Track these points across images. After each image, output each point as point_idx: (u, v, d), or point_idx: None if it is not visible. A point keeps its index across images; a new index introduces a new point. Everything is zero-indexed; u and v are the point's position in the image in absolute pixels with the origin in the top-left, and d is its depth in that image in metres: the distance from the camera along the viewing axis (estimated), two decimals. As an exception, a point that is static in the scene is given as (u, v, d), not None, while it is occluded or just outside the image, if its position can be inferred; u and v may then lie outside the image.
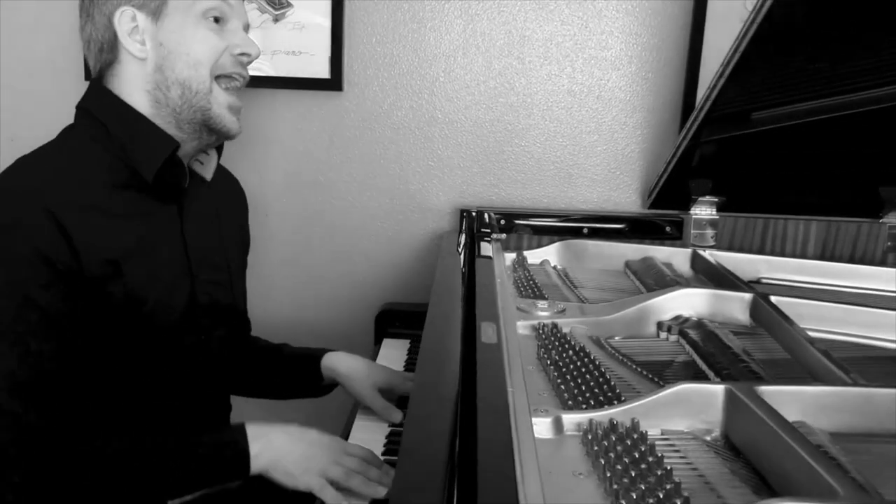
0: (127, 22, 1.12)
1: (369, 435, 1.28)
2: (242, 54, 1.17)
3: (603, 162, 1.81)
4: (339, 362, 1.40)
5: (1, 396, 0.99)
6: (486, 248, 1.54)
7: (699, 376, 1.10)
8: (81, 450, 1.03)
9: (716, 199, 1.70)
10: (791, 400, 0.88)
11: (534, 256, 1.68)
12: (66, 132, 1.17)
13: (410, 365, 1.56)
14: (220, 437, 1.10)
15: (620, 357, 1.15)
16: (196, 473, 1.07)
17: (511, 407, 0.85)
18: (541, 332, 1.20)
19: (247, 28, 1.21)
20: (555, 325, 1.21)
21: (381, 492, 1.08)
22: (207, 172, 1.25)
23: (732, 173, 1.68)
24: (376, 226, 1.85)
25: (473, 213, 1.70)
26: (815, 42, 1.30)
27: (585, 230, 1.71)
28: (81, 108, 1.17)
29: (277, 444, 1.10)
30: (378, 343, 1.72)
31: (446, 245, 1.63)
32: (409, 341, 1.68)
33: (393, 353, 1.62)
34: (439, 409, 0.84)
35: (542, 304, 1.29)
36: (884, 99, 1.50)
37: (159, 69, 1.13)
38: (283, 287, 1.88)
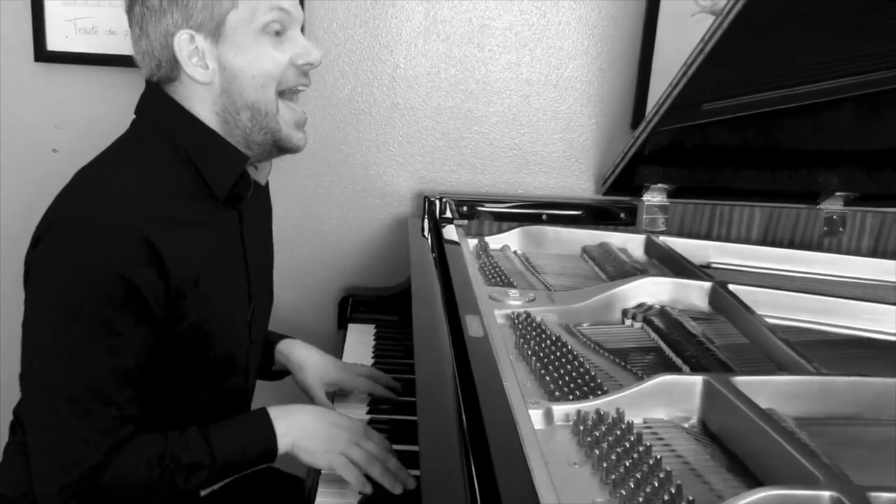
0: (186, 46, 1.08)
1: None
2: (305, 64, 1.14)
3: (559, 149, 1.86)
4: (292, 351, 1.41)
5: (70, 414, 1.01)
6: (453, 235, 1.58)
7: (667, 364, 1.17)
8: (138, 455, 1.05)
9: (667, 187, 1.78)
10: (762, 389, 0.95)
11: (495, 242, 1.73)
12: (134, 139, 1.15)
13: (379, 350, 1.59)
14: (247, 422, 1.12)
15: (592, 345, 1.22)
16: (231, 461, 1.09)
17: (509, 401, 0.90)
18: (516, 321, 1.25)
19: (303, 27, 1.17)
20: (528, 314, 1.27)
21: (398, 489, 1.09)
22: (262, 177, 1.24)
23: (682, 161, 1.75)
24: (337, 210, 1.87)
25: (436, 200, 1.74)
26: (773, 39, 1.37)
27: (544, 216, 1.76)
28: (145, 116, 1.15)
29: (300, 423, 1.12)
30: (342, 328, 1.75)
31: (414, 233, 1.66)
32: (374, 326, 1.71)
33: (360, 337, 1.66)
34: (446, 409, 0.89)
35: (513, 292, 1.34)
36: (822, 93, 1.59)
37: (226, 93, 1.11)
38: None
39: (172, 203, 1.09)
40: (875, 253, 1.80)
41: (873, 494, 0.72)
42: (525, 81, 1.82)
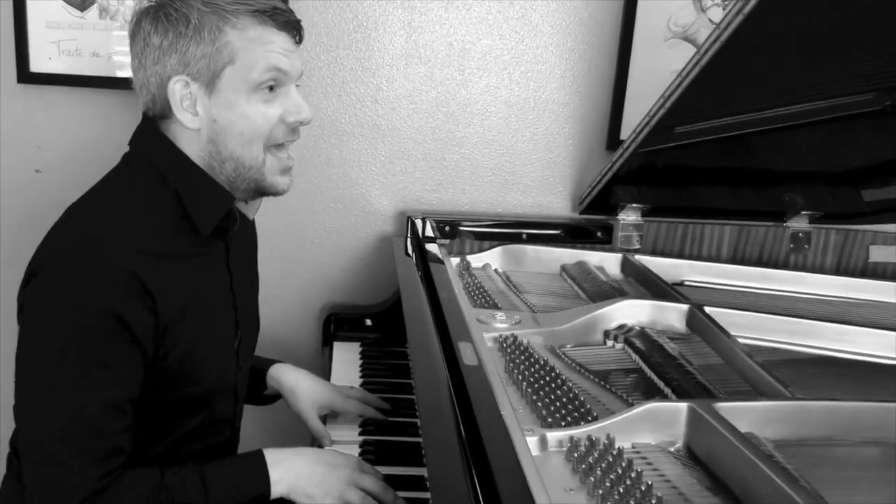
0: (180, 90, 1.10)
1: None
2: (295, 122, 1.16)
3: (537, 169, 1.91)
4: (284, 377, 1.44)
5: (61, 450, 1.03)
6: (437, 256, 1.62)
7: (648, 385, 1.23)
8: (134, 489, 1.07)
9: (641, 206, 1.84)
10: (743, 414, 1.01)
11: (476, 260, 1.77)
12: (125, 173, 1.17)
13: (367, 369, 1.63)
14: (242, 466, 1.15)
15: (576, 367, 1.27)
16: (224, 502, 1.11)
17: (508, 430, 0.95)
18: (503, 344, 1.30)
19: (300, 75, 1.17)
20: (515, 337, 1.31)
21: None
22: (251, 212, 1.26)
23: (656, 182, 1.82)
24: (320, 228, 1.90)
25: (418, 220, 1.78)
26: (747, 71, 1.43)
27: (524, 235, 1.81)
28: (137, 150, 1.17)
29: (295, 469, 1.15)
30: (326, 345, 1.78)
31: (399, 254, 1.70)
32: (359, 344, 1.75)
33: (346, 356, 1.69)
34: (448, 441, 0.93)
35: (499, 315, 1.39)
36: (788, 117, 1.66)
37: (212, 142, 1.13)
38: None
39: (160, 238, 1.12)
40: (838, 269, 1.89)
41: (851, 520, 0.78)
42: (504, 103, 1.87)
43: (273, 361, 1.47)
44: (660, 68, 1.86)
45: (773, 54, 1.39)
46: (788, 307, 1.60)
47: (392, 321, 1.77)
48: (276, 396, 1.47)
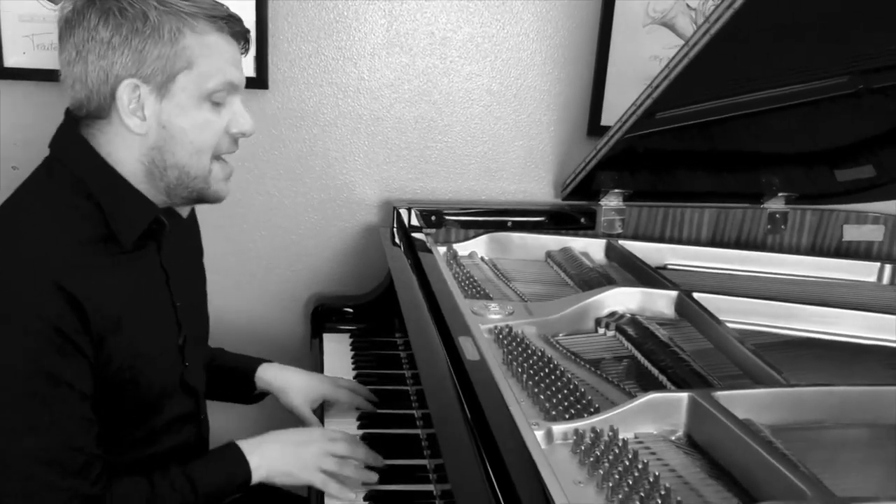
0: (130, 93, 1.05)
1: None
2: (239, 133, 1.14)
3: (519, 156, 1.93)
4: (273, 376, 1.45)
5: (48, 473, 1.02)
6: (426, 246, 1.63)
7: (640, 371, 1.26)
8: (128, 500, 1.08)
9: (623, 191, 1.86)
10: (740, 402, 1.05)
11: (463, 249, 1.79)
12: (45, 182, 1.11)
13: (358, 360, 1.64)
14: (221, 458, 1.17)
15: (571, 356, 1.30)
16: (212, 493, 1.14)
17: (518, 425, 0.97)
18: (499, 335, 1.32)
19: (243, 85, 1.16)
20: (510, 329, 1.34)
21: (374, 476, 1.22)
22: (184, 211, 1.23)
23: (636, 167, 1.84)
24: (305, 220, 1.90)
25: (404, 211, 1.78)
26: (732, 61, 1.46)
27: (509, 223, 1.83)
28: (57, 157, 1.12)
29: (271, 453, 1.19)
30: (315, 337, 1.79)
31: (388, 246, 1.71)
32: (348, 336, 1.76)
33: (337, 347, 1.70)
34: (461, 439, 0.95)
35: (493, 306, 1.41)
36: (765, 102, 1.70)
37: (158, 149, 1.09)
38: (213, 281, 1.89)
39: (85, 250, 1.07)
40: (814, 248, 1.94)
41: (853, 505, 0.82)
42: (486, 91, 1.88)
43: (260, 361, 1.47)
44: (639, 54, 1.88)
45: (757, 44, 1.41)
46: (769, 289, 1.64)
47: (380, 311, 1.78)
48: (263, 395, 1.48)
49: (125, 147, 1.09)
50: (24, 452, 1.02)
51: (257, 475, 1.17)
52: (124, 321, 1.09)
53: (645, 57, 1.88)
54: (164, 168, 1.10)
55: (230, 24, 1.11)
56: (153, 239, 1.17)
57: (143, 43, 1.04)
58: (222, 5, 1.12)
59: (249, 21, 1.74)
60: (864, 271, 1.76)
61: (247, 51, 1.16)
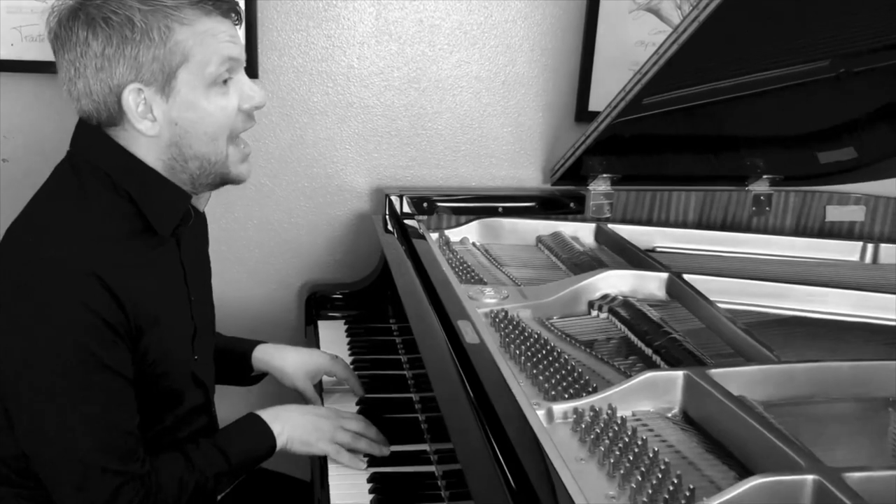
0: (134, 99, 1.05)
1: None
2: (252, 107, 1.14)
3: (508, 142, 1.95)
4: (270, 355, 1.48)
5: (105, 461, 1.05)
6: (419, 233, 1.65)
7: (634, 352, 1.29)
8: (170, 474, 1.12)
9: (611, 175, 1.89)
10: (734, 379, 1.08)
11: (454, 235, 1.81)
12: (71, 178, 1.11)
13: (354, 346, 1.66)
14: (246, 428, 1.23)
15: (566, 338, 1.32)
16: (243, 462, 1.20)
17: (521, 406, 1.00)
18: (495, 319, 1.35)
19: (244, 58, 1.15)
20: (506, 313, 1.36)
21: (385, 451, 1.28)
22: (201, 204, 1.24)
23: (623, 151, 1.87)
24: (297, 208, 1.91)
25: (396, 198, 1.80)
26: (720, 46, 1.49)
27: (500, 209, 1.85)
28: (83, 156, 1.11)
29: (291, 421, 1.25)
30: (310, 324, 1.80)
31: (380, 231, 1.73)
32: (343, 322, 1.78)
33: (333, 334, 1.72)
34: (468, 420, 0.97)
35: (488, 290, 1.43)
36: (748, 86, 1.73)
37: (174, 145, 1.10)
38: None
39: (118, 248, 1.09)
40: (797, 229, 1.98)
41: (846, 475, 0.85)
42: (475, 78, 1.90)
43: (254, 342, 1.50)
44: (625, 40, 1.90)
45: (743, 29, 1.44)
46: (757, 269, 1.67)
47: (374, 298, 1.80)
48: (261, 376, 1.50)
49: (143, 148, 1.10)
50: (79, 441, 1.04)
51: (279, 441, 1.22)
52: (158, 316, 1.12)
53: (631, 43, 1.91)
54: (185, 161, 1.11)
55: (216, 3, 1.09)
56: (174, 235, 1.18)
57: (136, 49, 1.04)
58: None
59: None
60: (847, 250, 1.80)
61: (240, 22, 1.15)
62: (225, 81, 1.10)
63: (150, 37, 1.04)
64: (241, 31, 1.22)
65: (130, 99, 1.06)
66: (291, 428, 1.24)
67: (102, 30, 1.03)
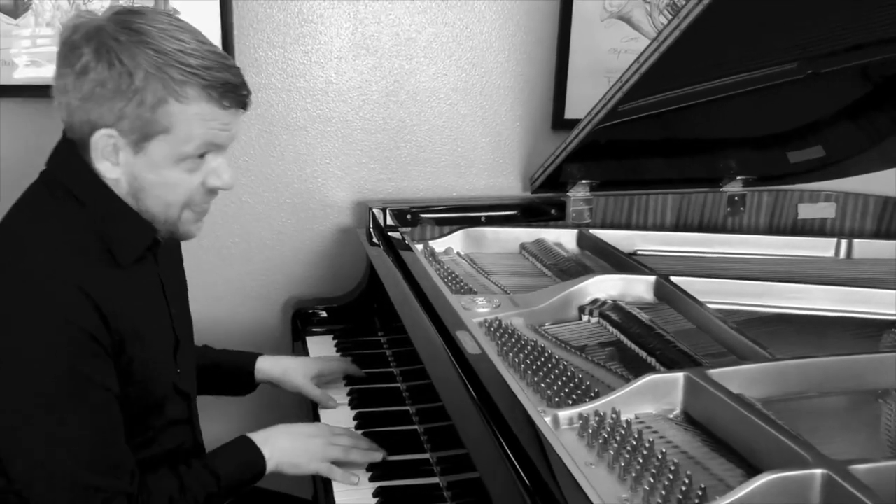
0: (105, 140, 1.06)
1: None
2: (216, 188, 1.14)
3: (487, 152, 1.97)
4: (271, 365, 1.52)
5: (92, 478, 1.05)
6: (406, 246, 1.66)
7: (626, 355, 1.31)
8: (161, 493, 1.11)
9: (590, 181, 1.92)
10: (733, 378, 1.10)
11: (439, 245, 1.82)
12: (46, 199, 1.12)
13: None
14: (237, 450, 1.23)
15: (561, 344, 1.34)
16: (233, 484, 1.20)
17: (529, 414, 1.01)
18: (490, 328, 1.36)
19: (230, 143, 1.14)
20: (500, 321, 1.37)
21: (378, 456, 1.29)
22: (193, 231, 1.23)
23: (601, 157, 1.90)
24: (279, 223, 1.91)
25: (379, 211, 1.81)
26: (696, 56, 1.52)
27: (483, 218, 1.87)
28: (57, 177, 1.12)
29: (281, 444, 1.25)
30: (297, 340, 1.80)
31: (366, 244, 1.73)
32: (331, 337, 1.78)
33: (322, 349, 1.72)
34: (480, 430, 0.98)
35: (480, 300, 1.45)
36: (720, 89, 1.77)
37: (131, 195, 1.11)
38: (189, 288, 1.89)
39: (100, 262, 1.10)
40: (771, 228, 2.02)
41: (852, 467, 0.88)
42: (452, 90, 1.91)
43: (253, 354, 1.53)
44: (598, 48, 1.93)
45: (721, 37, 1.47)
46: (738, 269, 1.71)
47: (361, 311, 1.81)
48: (255, 386, 1.53)
49: (109, 180, 1.11)
50: (66, 456, 1.04)
51: (269, 465, 1.23)
52: (139, 329, 1.12)
53: (604, 50, 1.94)
54: (138, 208, 1.12)
55: (225, 94, 1.08)
56: (151, 251, 1.19)
57: (124, 102, 1.04)
58: (228, 67, 1.09)
59: (214, 29, 1.74)
60: (822, 247, 1.84)
61: (247, 107, 1.14)
62: (201, 155, 1.10)
63: (142, 97, 1.04)
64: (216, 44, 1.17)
65: (101, 140, 1.06)
66: (280, 452, 1.25)
67: (104, 67, 1.03)
